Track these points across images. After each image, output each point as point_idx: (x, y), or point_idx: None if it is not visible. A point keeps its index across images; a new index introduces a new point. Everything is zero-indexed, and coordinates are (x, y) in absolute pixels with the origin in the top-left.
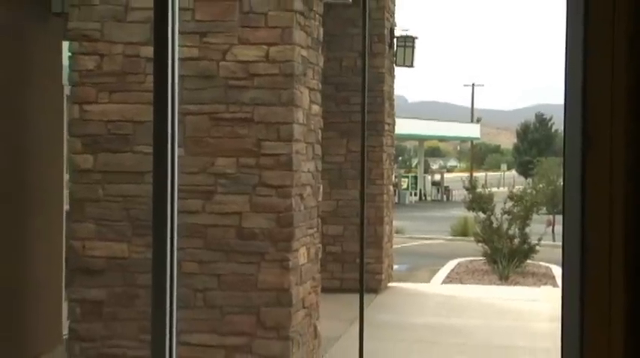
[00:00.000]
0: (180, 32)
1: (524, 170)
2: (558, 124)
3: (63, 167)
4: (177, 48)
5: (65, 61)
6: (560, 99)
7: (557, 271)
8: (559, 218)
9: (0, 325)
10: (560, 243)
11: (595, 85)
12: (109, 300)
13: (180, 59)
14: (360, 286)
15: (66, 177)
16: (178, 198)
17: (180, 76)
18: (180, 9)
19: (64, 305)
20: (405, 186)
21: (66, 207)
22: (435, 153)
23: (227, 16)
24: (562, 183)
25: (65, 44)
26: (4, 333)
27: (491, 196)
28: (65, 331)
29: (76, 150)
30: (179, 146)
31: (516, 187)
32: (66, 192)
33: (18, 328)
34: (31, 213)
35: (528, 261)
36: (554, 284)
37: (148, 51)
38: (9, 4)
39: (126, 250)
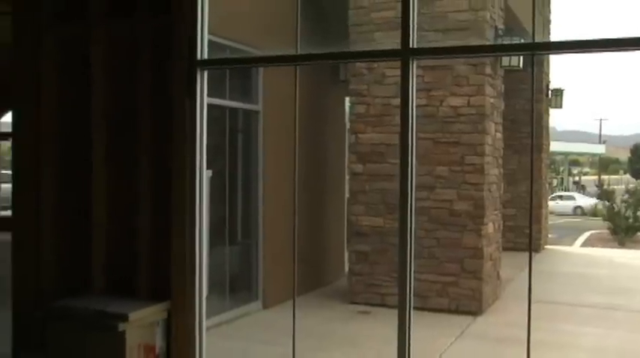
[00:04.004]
0: (416, 89)
1: (636, 174)
2: None
3: (345, 172)
4: (414, 99)
5: (346, 109)
6: None
7: None
8: None
9: (314, 265)
10: None
11: None
12: (371, 252)
13: (416, 106)
14: (529, 247)
15: (346, 177)
16: (414, 190)
17: (416, 116)
18: (417, 75)
19: (345, 254)
20: (555, 184)
21: (347, 195)
22: (575, 163)
23: (443, 79)
24: None
25: (346, 99)
26: (316, 270)
27: (613, 191)
28: (346, 269)
29: (352, 161)
30: (415, 159)
31: (630, 185)
32: (346, 187)
33: (322, 266)
34: (329, 199)
35: (638, 233)
36: None
37: (396, 101)
38: (318, 76)
39: (382, 222)
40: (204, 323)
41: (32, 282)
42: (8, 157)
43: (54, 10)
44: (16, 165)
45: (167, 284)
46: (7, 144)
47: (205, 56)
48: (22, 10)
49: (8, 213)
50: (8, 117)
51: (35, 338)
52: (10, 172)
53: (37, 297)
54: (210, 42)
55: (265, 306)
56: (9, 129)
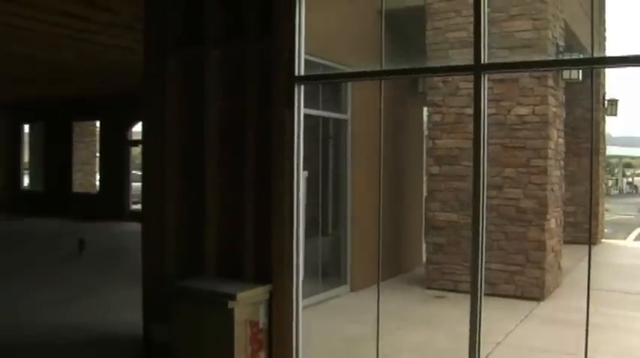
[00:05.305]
0: (487, 100)
1: None
2: None
3: (423, 173)
4: (485, 109)
5: (424, 117)
6: None
7: None
8: None
9: (397, 254)
10: None
11: None
12: (446, 244)
13: (487, 115)
14: (589, 241)
15: (424, 178)
16: (485, 190)
17: (487, 124)
18: (487, 87)
19: (423, 245)
20: (610, 184)
21: (424, 194)
22: (628, 166)
23: (511, 90)
24: None
25: (424, 108)
26: (397, 257)
27: None
28: (423, 259)
29: (429, 164)
30: (486, 162)
31: None
32: (424, 186)
33: (403, 255)
34: (408, 197)
35: None
36: None
37: (469, 111)
38: (399, 88)
39: (455, 217)
40: (301, 303)
41: (158, 266)
42: (138, 160)
43: (176, 35)
44: (145, 167)
45: (269, 269)
46: (137, 150)
47: (302, 72)
48: (151, 36)
49: (139, 207)
50: (138, 127)
51: (161, 311)
52: (139, 173)
53: (161, 278)
54: (306, 60)
55: (352, 290)
56: (139, 137)
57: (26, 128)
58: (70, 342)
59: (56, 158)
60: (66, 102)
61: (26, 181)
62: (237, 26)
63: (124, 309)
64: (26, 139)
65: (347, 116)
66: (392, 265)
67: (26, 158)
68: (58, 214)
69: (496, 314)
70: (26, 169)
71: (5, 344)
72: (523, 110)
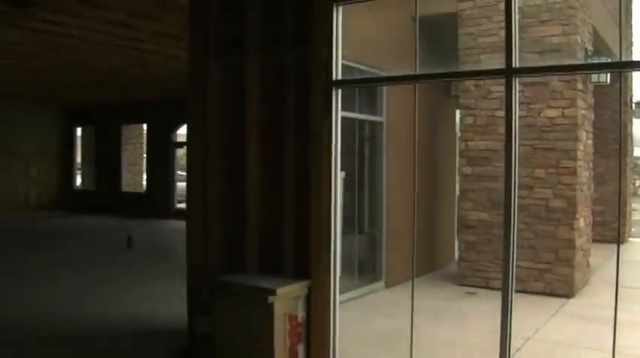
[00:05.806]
0: (518, 102)
1: None
2: None
3: (455, 173)
4: (516, 111)
5: (457, 120)
6: None
7: None
8: None
9: (430, 251)
10: None
11: None
12: (478, 241)
13: (518, 117)
14: (617, 240)
15: (457, 178)
16: (516, 189)
17: (518, 126)
18: (518, 91)
19: (455, 243)
20: (637, 184)
21: (457, 193)
22: None
23: (540, 94)
24: None
25: (457, 111)
26: (430, 254)
27: None
28: (455, 256)
29: (462, 164)
30: (517, 163)
31: None
32: (457, 186)
33: (436, 252)
34: (441, 197)
35: None
36: None
37: (500, 113)
38: (433, 92)
39: (487, 216)
40: (338, 299)
41: (201, 263)
42: (183, 161)
43: (219, 42)
44: (189, 168)
45: (308, 265)
46: (182, 151)
47: (339, 77)
48: (195, 43)
49: (183, 205)
50: (183, 129)
51: (204, 304)
52: (184, 173)
53: (205, 273)
54: (342, 65)
55: (387, 286)
56: (184, 139)
57: (79, 131)
58: (118, 333)
59: (106, 159)
60: (115, 106)
61: (78, 181)
62: (276, 32)
63: (169, 302)
64: (79, 141)
65: (382, 118)
66: (425, 262)
67: (79, 159)
68: (108, 212)
69: (526, 310)
70: (79, 170)
71: (69, 335)
72: (553, 112)
